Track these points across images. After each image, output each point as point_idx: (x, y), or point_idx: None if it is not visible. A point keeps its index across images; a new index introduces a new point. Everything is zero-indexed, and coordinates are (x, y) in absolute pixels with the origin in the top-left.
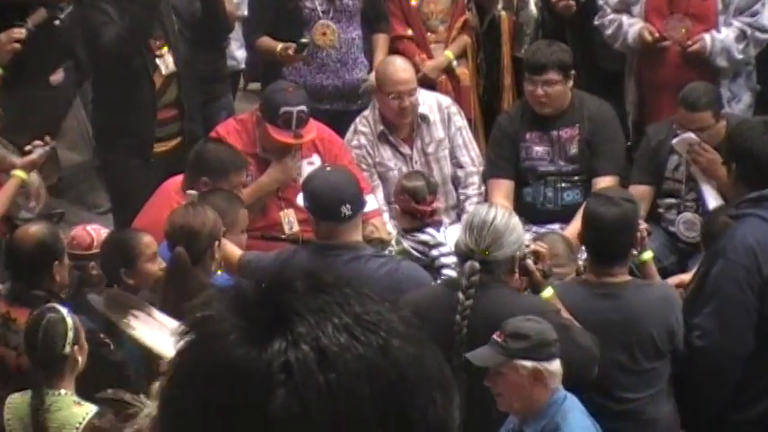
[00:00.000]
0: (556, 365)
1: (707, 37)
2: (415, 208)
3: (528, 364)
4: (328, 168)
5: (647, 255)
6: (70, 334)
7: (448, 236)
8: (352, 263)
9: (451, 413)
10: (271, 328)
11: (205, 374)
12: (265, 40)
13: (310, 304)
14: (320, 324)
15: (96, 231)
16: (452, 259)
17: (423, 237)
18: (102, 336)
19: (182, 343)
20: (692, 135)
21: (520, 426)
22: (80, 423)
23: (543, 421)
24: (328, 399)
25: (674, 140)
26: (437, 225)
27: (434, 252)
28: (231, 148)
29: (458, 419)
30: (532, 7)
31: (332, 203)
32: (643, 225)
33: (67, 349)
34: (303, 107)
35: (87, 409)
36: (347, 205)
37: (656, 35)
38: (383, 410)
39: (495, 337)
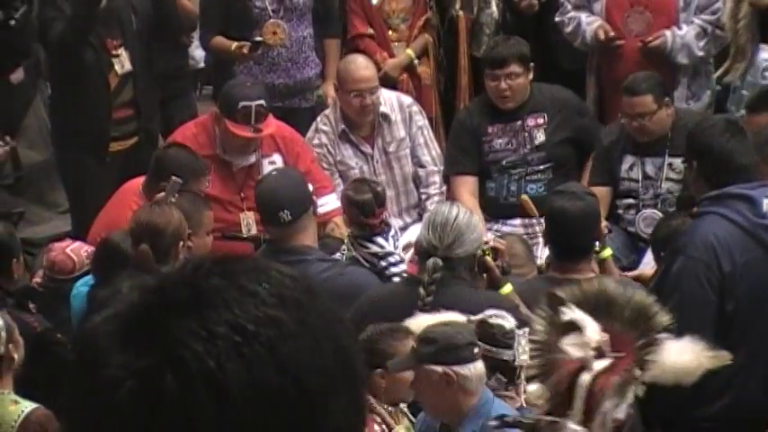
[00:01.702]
0: (470, 369)
1: (668, 33)
2: (363, 221)
3: (437, 368)
4: (275, 172)
5: (607, 252)
6: (2, 334)
7: (407, 237)
8: (296, 267)
9: (361, 408)
10: (158, 363)
11: (96, 418)
12: (219, 40)
13: (195, 327)
14: (208, 349)
15: (76, 253)
16: (402, 267)
17: (372, 248)
18: (58, 335)
19: (72, 382)
20: None
21: None
22: (15, 421)
23: (472, 426)
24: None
25: None
26: (386, 232)
27: (383, 263)
28: (192, 155)
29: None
30: (494, 8)
31: (270, 209)
32: (603, 222)
33: (1, 349)
34: (262, 101)
35: (23, 407)
36: (285, 211)
37: (612, 34)
38: (286, 427)
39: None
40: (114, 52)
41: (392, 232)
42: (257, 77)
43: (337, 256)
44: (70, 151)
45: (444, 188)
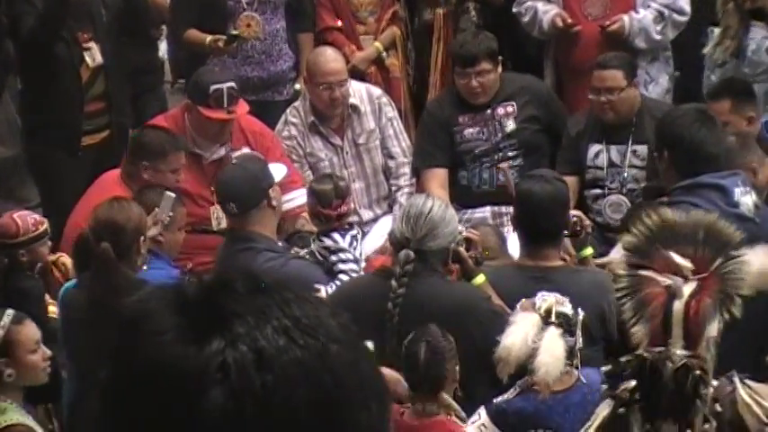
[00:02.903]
0: None
1: (625, 18)
2: (320, 211)
3: None
4: (235, 162)
5: (588, 251)
6: None
7: (378, 229)
8: (244, 253)
9: (385, 421)
10: (209, 328)
11: (140, 371)
12: (193, 33)
13: (250, 305)
14: (259, 325)
15: (23, 218)
16: (351, 266)
17: (327, 242)
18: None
19: (118, 337)
20: None
21: None
22: None
23: None
24: (263, 400)
25: None
26: (344, 230)
27: (333, 258)
28: (169, 132)
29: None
30: (473, 12)
31: (221, 199)
32: (586, 222)
33: None
34: (232, 84)
35: (7, 419)
36: (231, 204)
37: (569, 21)
38: (317, 415)
39: None
40: (85, 45)
41: (354, 232)
42: (231, 70)
43: (303, 252)
44: (42, 146)
45: (414, 180)
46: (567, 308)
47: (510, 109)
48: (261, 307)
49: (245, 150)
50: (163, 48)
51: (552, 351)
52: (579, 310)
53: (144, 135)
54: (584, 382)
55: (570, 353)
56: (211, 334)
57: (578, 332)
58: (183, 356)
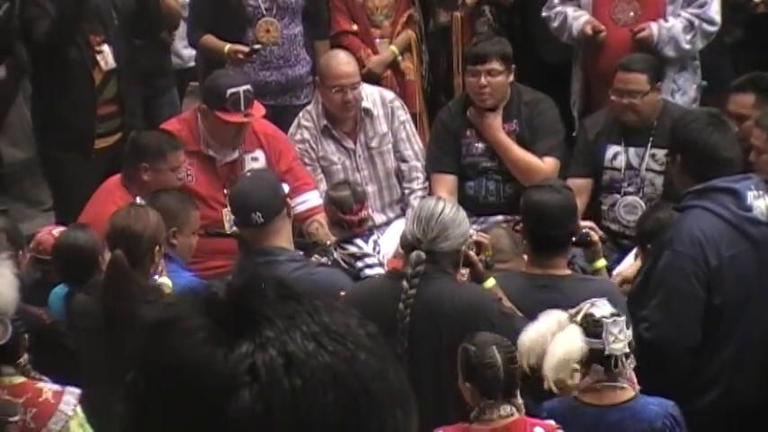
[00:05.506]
0: None
1: (654, 26)
2: (342, 218)
3: None
4: (248, 174)
5: (601, 263)
6: None
7: (390, 233)
8: (267, 266)
9: (410, 429)
10: (239, 330)
11: (169, 371)
12: (210, 39)
13: (280, 310)
14: (289, 330)
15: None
16: (378, 270)
17: (351, 248)
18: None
19: (148, 338)
20: None
21: None
22: None
23: None
24: (292, 404)
25: None
26: (366, 235)
27: (359, 263)
28: (165, 132)
29: None
30: (489, 15)
31: (242, 211)
32: (599, 233)
33: None
34: (248, 86)
35: None
36: (257, 213)
37: (601, 28)
38: (344, 420)
39: None
40: (98, 48)
41: (375, 237)
42: (249, 75)
43: (324, 260)
44: (55, 148)
45: (427, 183)
46: (599, 309)
47: (514, 127)
48: (290, 312)
49: (258, 152)
50: (187, 54)
51: (561, 344)
52: (619, 317)
53: (141, 137)
54: (632, 407)
55: (599, 356)
56: (241, 336)
57: (607, 337)
58: (212, 358)
